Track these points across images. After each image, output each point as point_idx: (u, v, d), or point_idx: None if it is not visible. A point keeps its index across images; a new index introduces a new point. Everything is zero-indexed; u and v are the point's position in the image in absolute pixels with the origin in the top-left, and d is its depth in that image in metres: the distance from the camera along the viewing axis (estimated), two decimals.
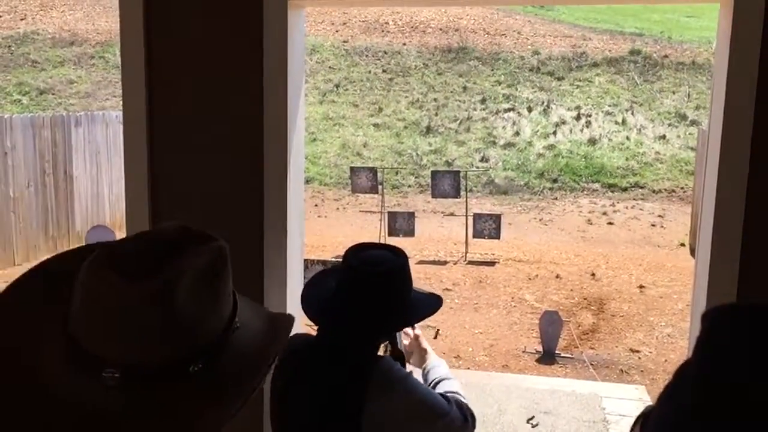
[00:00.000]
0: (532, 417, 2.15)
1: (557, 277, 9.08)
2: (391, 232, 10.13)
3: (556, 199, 14.24)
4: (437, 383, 1.82)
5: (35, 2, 21.94)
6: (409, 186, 14.90)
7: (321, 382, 1.63)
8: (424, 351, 1.92)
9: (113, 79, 17.92)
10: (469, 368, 6.21)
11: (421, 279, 8.69)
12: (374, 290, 1.64)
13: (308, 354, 1.70)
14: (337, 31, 20.32)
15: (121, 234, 10.07)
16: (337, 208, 13.47)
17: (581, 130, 16.34)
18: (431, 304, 1.73)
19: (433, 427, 1.63)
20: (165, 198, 2.17)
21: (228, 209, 2.15)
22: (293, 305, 2.21)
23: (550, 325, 6.57)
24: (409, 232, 10.14)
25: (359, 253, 1.71)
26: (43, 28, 20.17)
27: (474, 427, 1.74)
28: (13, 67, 18.39)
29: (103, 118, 11.24)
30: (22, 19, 20.87)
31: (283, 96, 2.06)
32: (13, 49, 19.17)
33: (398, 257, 1.71)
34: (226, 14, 2.07)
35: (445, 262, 9.76)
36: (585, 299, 8.23)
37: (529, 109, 17.00)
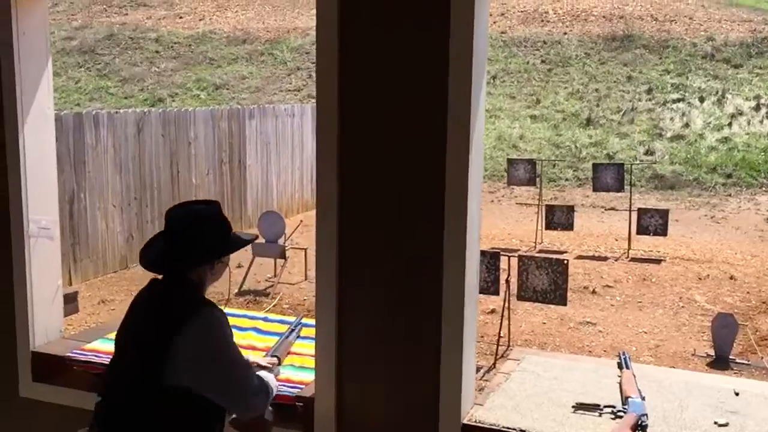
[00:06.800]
0: (726, 424, 2.06)
1: (731, 278, 8.48)
2: (549, 226, 9.93)
3: (729, 195, 13.27)
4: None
5: (212, 4, 23.63)
6: (567, 179, 14.50)
7: (146, 308, 2.09)
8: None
9: (281, 75, 18.93)
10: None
11: (580, 274, 8.45)
12: (190, 232, 2.10)
13: (145, 289, 2.14)
14: (494, 22, 20.12)
15: (289, 221, 10.55)
16: (492, 201, 13.40)
17: (761, 122, 15.09)
18: (244, 239, 2.23)
19: (228, 372, 2.03)
20: (351, 184, 2.28)
21: (409, 197, 2.22)
22: (470, 292, 2.26)
23: (724, 328, 6.17)
24: (568, 226, 9.88)
25: (178, 208, 2.18)
26: (219, 28, 21.69)
27: (266, 396, 2.15)
28: (192, 65, 19.96)
29: (273, 111, 11.93)
30: (200, 20, 22.57)
31: (467, 83, 2.11)
32: (192, 47, 20.79)
33: (210, 206, 2.19)
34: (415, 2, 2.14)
35: (605, 258, 9.43)
36: (764, 303, 7.63)
37: (701, 100, 15.94)
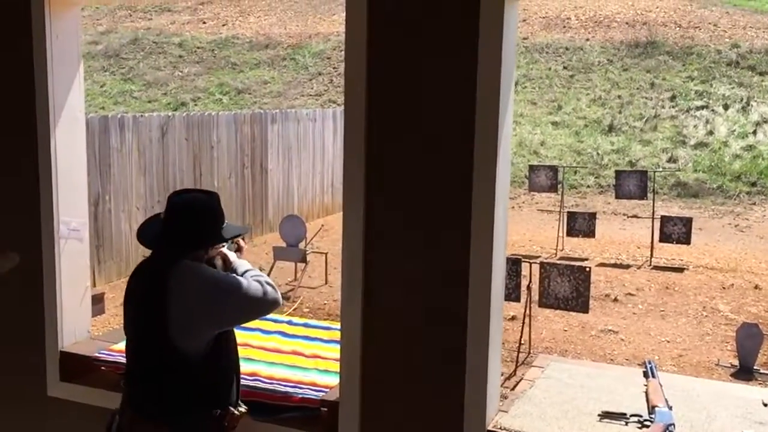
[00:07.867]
0: None
1: (756, 287, 8.37)
2: (570, 232, 9.86)
3: (754, 204, 13.10)
4: (244, 272, 2.30)
5: (235, 9, 23.80)
6: (588, 186, 14.40)
7: (143, 280, 2.22)
8: (228, 257, 2.40)
9: (302, 80, 19.01)
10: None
11: (601, 282, 8.39)
12: (188, 218, 2.22)
13: (141, 265, 2.28)
14: (516, 28, 20.05)
15: (310, 225, 10.57)
16: (513, 207, 13.32)
17: None
18: (236, 230, 2.35)
19: (226, 295, 2.14)
20: (378, 189, 2.28)
21: (436, 204, 2.22)
22: (496, 299, 2.25)
23: (749, 338, 6.09)
24: (589, 233, 9.82)
25: (179, 195, 2.29)
26: (242, 33, 21.84)
27: (274, 293, 2.23)
28: (215, 69, 20.11)
29: (295, 116, 11.99)
30: (223, 25, 22.73)
31: (495, 89, 2.11)
32: (215, 52, 20.95)
33: (209, 197, 2.30)
34: (444, 7, 2.15)
35: (627, 266, 9.35)
36: None
37: (726, 107, 15.77)
